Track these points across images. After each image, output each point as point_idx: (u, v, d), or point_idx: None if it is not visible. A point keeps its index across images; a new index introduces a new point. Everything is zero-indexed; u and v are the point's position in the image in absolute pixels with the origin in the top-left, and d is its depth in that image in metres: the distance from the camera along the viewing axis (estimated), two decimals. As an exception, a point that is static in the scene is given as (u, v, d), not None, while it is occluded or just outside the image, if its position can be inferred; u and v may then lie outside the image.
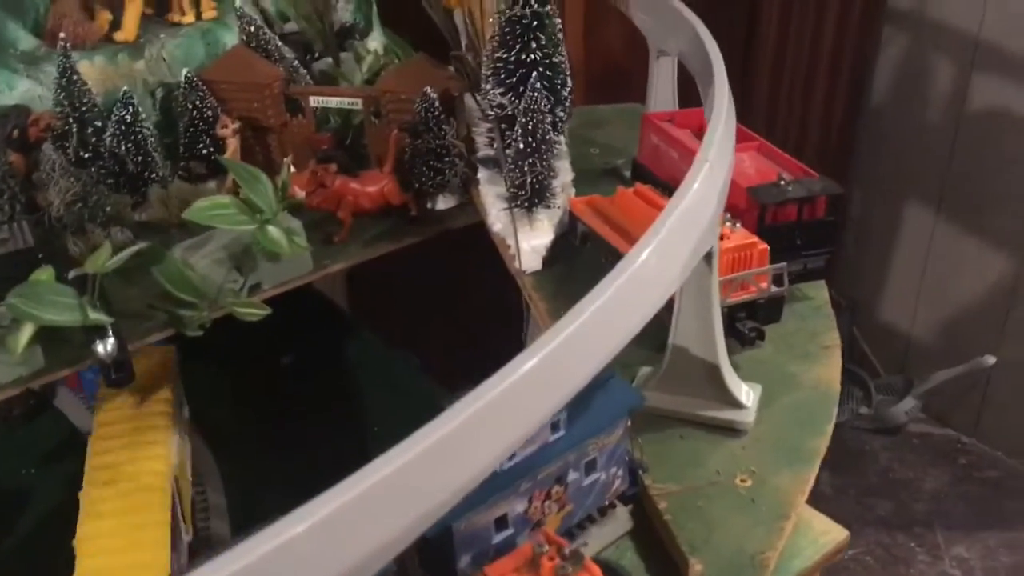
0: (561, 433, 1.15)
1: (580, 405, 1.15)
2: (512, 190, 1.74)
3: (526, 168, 1.71)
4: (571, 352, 0.87)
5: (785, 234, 1.61)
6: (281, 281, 1.87)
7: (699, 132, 1.94)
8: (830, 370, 1.50)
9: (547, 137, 1.71)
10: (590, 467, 1.20)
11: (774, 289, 1.52)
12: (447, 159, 2.02)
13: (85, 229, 1.95)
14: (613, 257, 1.70)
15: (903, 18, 3.51)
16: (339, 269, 1.96)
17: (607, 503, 1.26)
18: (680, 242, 1.08)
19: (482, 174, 2.02)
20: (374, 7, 2.69)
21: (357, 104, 2.14)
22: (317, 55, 2.58)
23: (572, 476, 1.18)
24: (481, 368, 0.85)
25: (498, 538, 1.12)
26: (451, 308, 3.15)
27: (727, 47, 1.54)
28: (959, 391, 3.74)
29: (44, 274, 1.55)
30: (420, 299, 3.09)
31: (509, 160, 1.75)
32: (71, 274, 1.62)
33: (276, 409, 2.30)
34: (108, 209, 1.99)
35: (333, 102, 2.20)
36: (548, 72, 1.78)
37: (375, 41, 2.69)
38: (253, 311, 1.68)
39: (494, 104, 1.87)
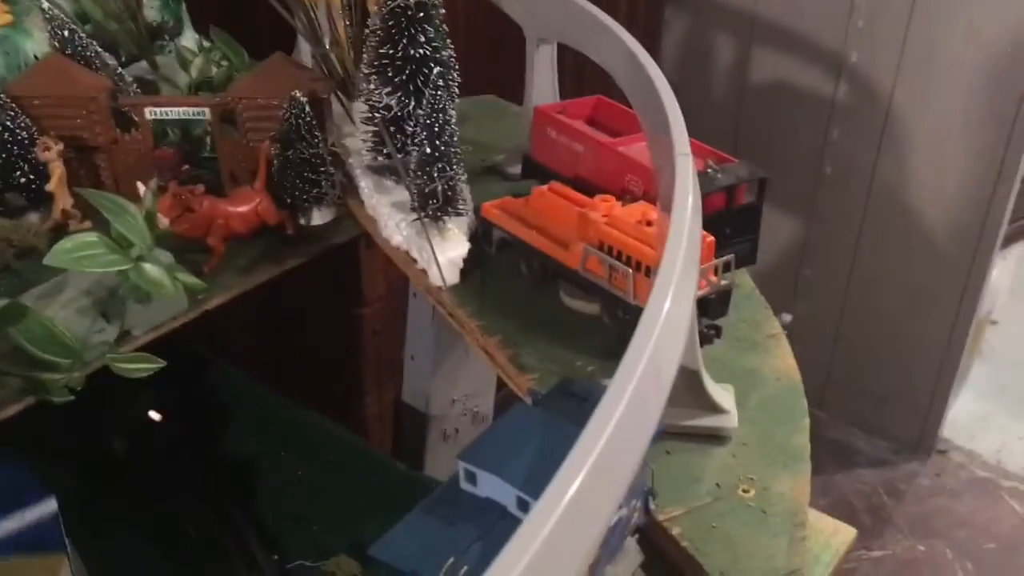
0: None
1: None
2: (419, 199, 1.58)
3: (435, 174, 1.56)
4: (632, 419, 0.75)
5: (717, 223, 1.56)
6: (154, 325, 1.62)
7: (595, 122, 1.86)
8: (785, 359, 1.47)
9: (454, 139, 1.56)
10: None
11: (723, 283, 1.46)
12: (322, 169, 1.83)
13: None
14: (539, 262, 1.59)
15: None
16: (217, 304, 1.71)
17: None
18: (688, 280, 0.97)
19: (364, 183, 1.84)
20: (183, 4, 2.43)
21: (204, 114, 1.89)
22: (125, 60, 2.28)
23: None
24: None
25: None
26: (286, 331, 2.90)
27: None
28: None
29: None
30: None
31: (412, 166, 1.59)
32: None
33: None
34: (-85, 258, 1.65)
35: (174, 113, 1.93)
36: (440, 68, 1.62)
37: (188, 40, 2.43)
38: (142, 366, 1.42)
39: (380, 105, 1.70)
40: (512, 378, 1.46)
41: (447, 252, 1.61)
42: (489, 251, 1.66)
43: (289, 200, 1.83)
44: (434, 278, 1.61)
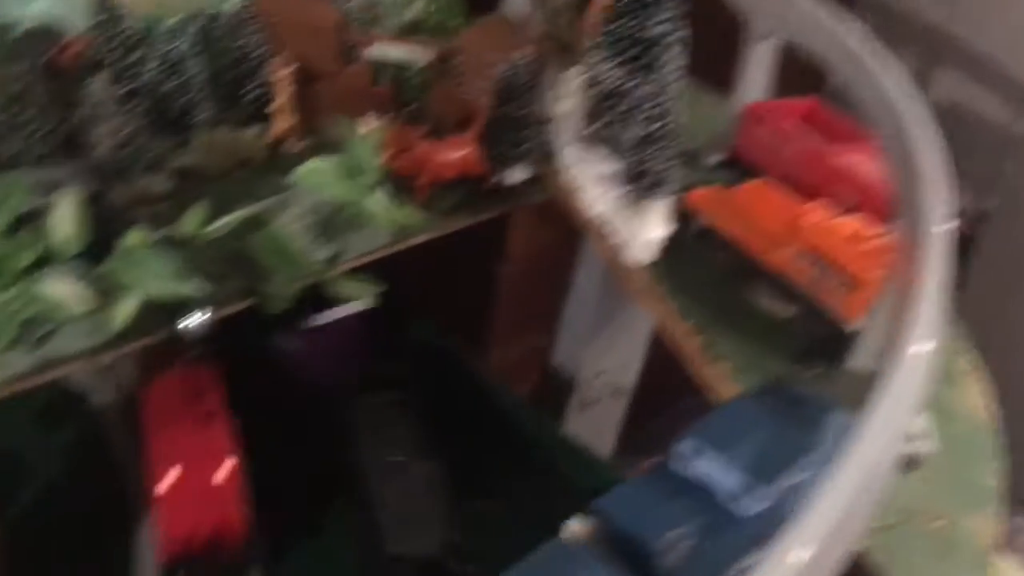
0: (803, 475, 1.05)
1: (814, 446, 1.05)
2: (631, 176, 1.61)
3: (652, 154, 1.58)
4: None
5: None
6: (360, 253, 1.70)
7: (809, 125, 1.85)
8: (980, 397, 1.45)
9: (676, 122, 1.58)
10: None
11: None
12: (529, 130, 1.87)
13: (128, 176, 1.72)
14: (739, 257, 1.61)
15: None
16: (417, 242, 1.78)
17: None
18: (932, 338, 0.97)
19: (569, 150, 1.87)
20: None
21: (424, 59, 1.96)
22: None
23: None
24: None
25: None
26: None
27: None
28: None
29: (136, 237, 1.33)
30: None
31: (629, 143, 1.62)
32: (158, 235, 1.41)
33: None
34: (151, 154, 1.76)
35: (395, 53, 2.00)
36: (676, 49, 1.64)
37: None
38: (358, 287, 1.50)
39: (605, 78, 1.72)
40: (701, 366, 1.49)
41: (647, 232, 1.64)
42: (687, 237, 1.69)
43: (493, 154, 1.88)
44: (630, 255, 1.64)
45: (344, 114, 1.85)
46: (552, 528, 1.87)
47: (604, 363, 2.43)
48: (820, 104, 1.87)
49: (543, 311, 2.56)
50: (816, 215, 1.50)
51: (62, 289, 1.23)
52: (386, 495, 1.69)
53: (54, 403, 2.02)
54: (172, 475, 1.44)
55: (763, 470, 1.03)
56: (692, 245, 1.68)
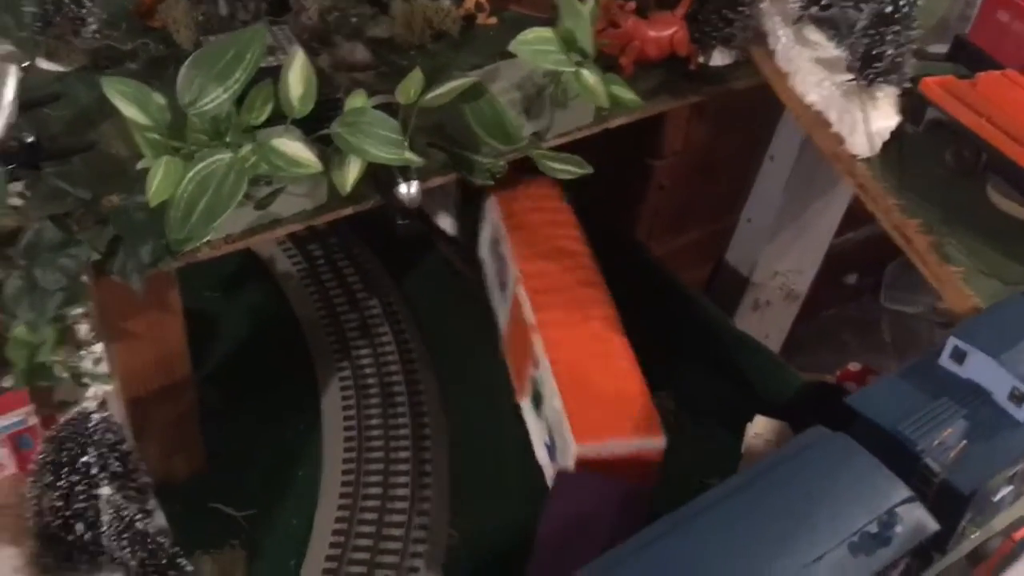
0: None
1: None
2: (861, 61, 1.49)
3: (888, 36, 1.46)
4: None
5: None
6: (561, 132, 1.65)
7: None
8: None
9: (918, 2, 1.45)
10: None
11: None
12: (740, 9, 1.76)
13: (331, 41, 1.70)
14: (975, 152, 1.49)
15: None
16: (618, 124, 1.72)
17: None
18: None
19: (783, 32, 1.76)
20: None
21: (629, -71, 1.84)
22: None
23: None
24: None
25: (998, 495, 0.96)
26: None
27: None
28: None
29: (359, 100, 1.31)
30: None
31: (861, 24, 1.50)
32: (374, 101, 1.39)
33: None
34: (354, 21, 1.73)
35: (600, -78, 1.89)
36: (919, -78, 1.49)
37: None
38: (568, 167, 1.46)
39: (835, -47, 1.60)
40: (931, 266, 1.40)
41: (874, 122, 1.54)
42: (916, 129, 1.57)
43: (698, 35, 1.79)
44: (854, 146, 1.54)
45: (544, -13, 1.78)
46: (727, 423, 1.83)
47: (781, 264, 2.34)
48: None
49: (699, 208, 2.48)
50: (1076, 110, 1.36)
51: (296, 148, 1.22)
52: None
53: (242, 266, 2.09)
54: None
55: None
56: (921, 138, 1.57)
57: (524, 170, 1.62)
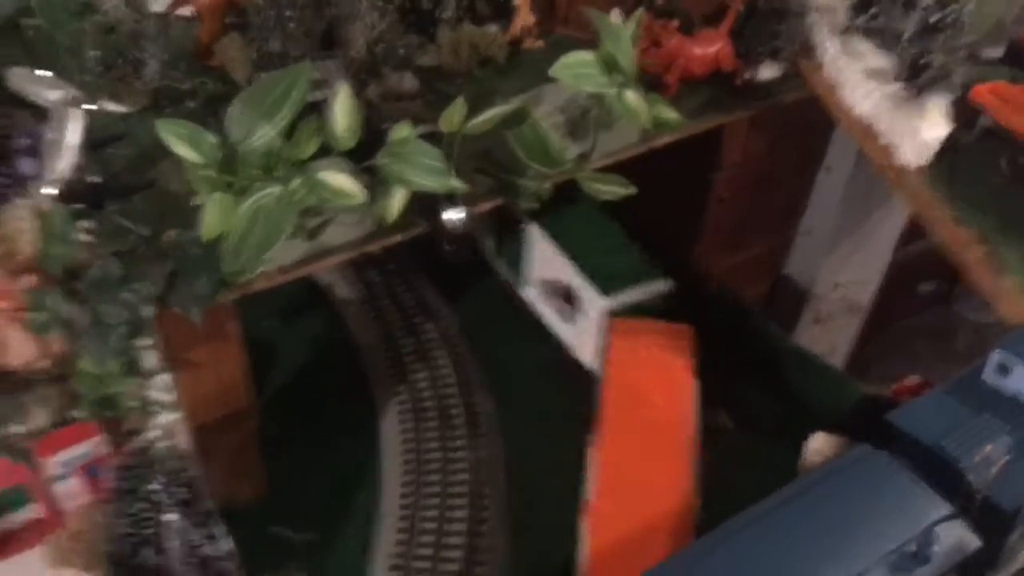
0: None
1: None
2: (910, 70, 1.47)
3: (936, 45, 1.44)
4: None
5: None
6: (607, 152, 1.66)
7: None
8: None
9: (966, 9, 1.43)
10: None
11: None
12: (787, 23, 1.75)
13: (380, 72, 1.74)
14: (1029, 160, 1.45)
15: None
16: (664, 142, 1.73)
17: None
18: None
19: (831, 44, 1.74)
20: None
21: (669, -52, 1.85)
22: None
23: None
24: None
25: (1053, 511, 0.93)
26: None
27: None
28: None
29: (404, 130, 1.35)
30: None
31: (909, 33, 1.48)
32: (419, 131, 1.42)
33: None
34: (401, 51, 1.77)
35: (643, -57, 1.90)
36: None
37: None
38: (614, 188, 1.47)
39: (880, -37, 1.58)
40: (985, 278, 1.37)
41: (924, 131, 1.51)
42: (968, 137, 1.54)
43: (744, 49, 1.78)
44: (904, 156, 1.52)
45: (585, 8, 1.79)
46: (786, 441, 1.81)
47: (842, 276, 2.31)
48: None
49: (760, 220, 2.46)
50: None
51: (342, 180, 1.25)
52: None
53: (301, 295, 2.14)
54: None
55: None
56: (974, 146, 1.54)
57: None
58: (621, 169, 1.71)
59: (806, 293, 2.28)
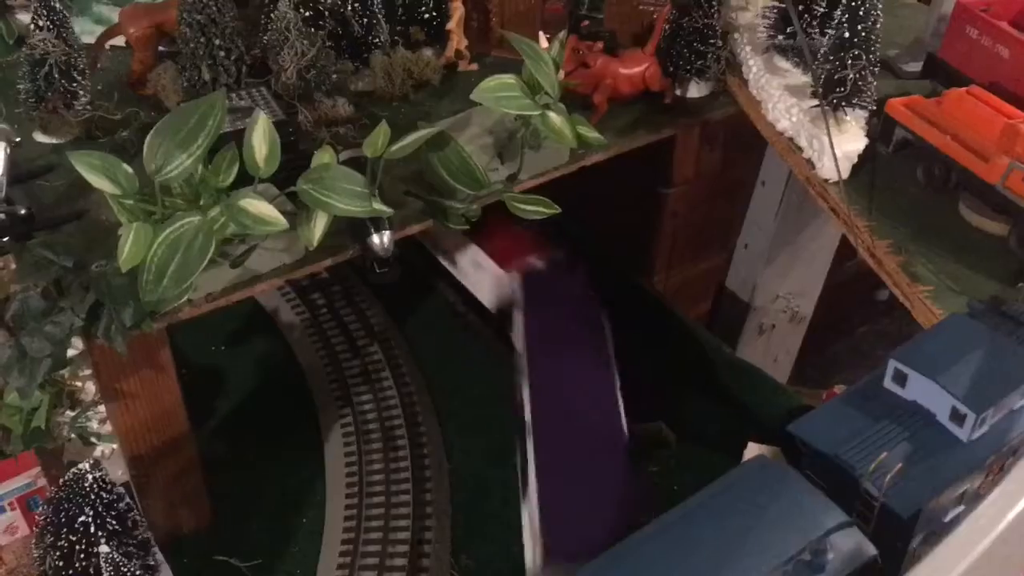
0: (1028, 399, 0.97)
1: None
2: (824, 86, 1.51)
3: (849, 61, 1.48)
4: None
5: None
6: (537, 172, 1.68)
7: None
8: None
9: (877, 25, 1.47)
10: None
11: None
12: (712, 41, 1.79)
13: (312, 98, 1.75)
14: (944, 170, 1.50)
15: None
16: (594, 161, 1.75)
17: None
18: None
19: (754, 62, 1.78)
20: None
21: (598, -29, 1.89)
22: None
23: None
24: None
25: (949, 516, 0.96)
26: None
27: None
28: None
29: (325, 156, 1.36)
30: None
31: (823, 50, 1.52)
32: (343, 156, 1.43)
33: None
34: (334, 77, 1.79)
35: (569, -33, 1.94)
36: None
37: None
38: (538, 208, 1.49)
39: (795, -19, 1.62)
40: (901, 287, 1.40)
41: (842, 145, 1.55)
42: (885, 150, 1.58)
43: (672, 68, 1.82)
44: (824, 170, 1.56)
45: (516, 32, 1.82)
46: (728, 452, 1.83)
47: (782, 287, 2.34)
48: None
49: (714, 234, 2.48)
50: (1036, 122, 1.37)
51: (262, 207, 1.26)
52: None
53: (247, 319, 2.14)
54: None
55: (978, 395, 0.96)
56: (892, 159, 1.58)
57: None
58: (569, 186, 1.72)
59: (747, 305, 2.31)
